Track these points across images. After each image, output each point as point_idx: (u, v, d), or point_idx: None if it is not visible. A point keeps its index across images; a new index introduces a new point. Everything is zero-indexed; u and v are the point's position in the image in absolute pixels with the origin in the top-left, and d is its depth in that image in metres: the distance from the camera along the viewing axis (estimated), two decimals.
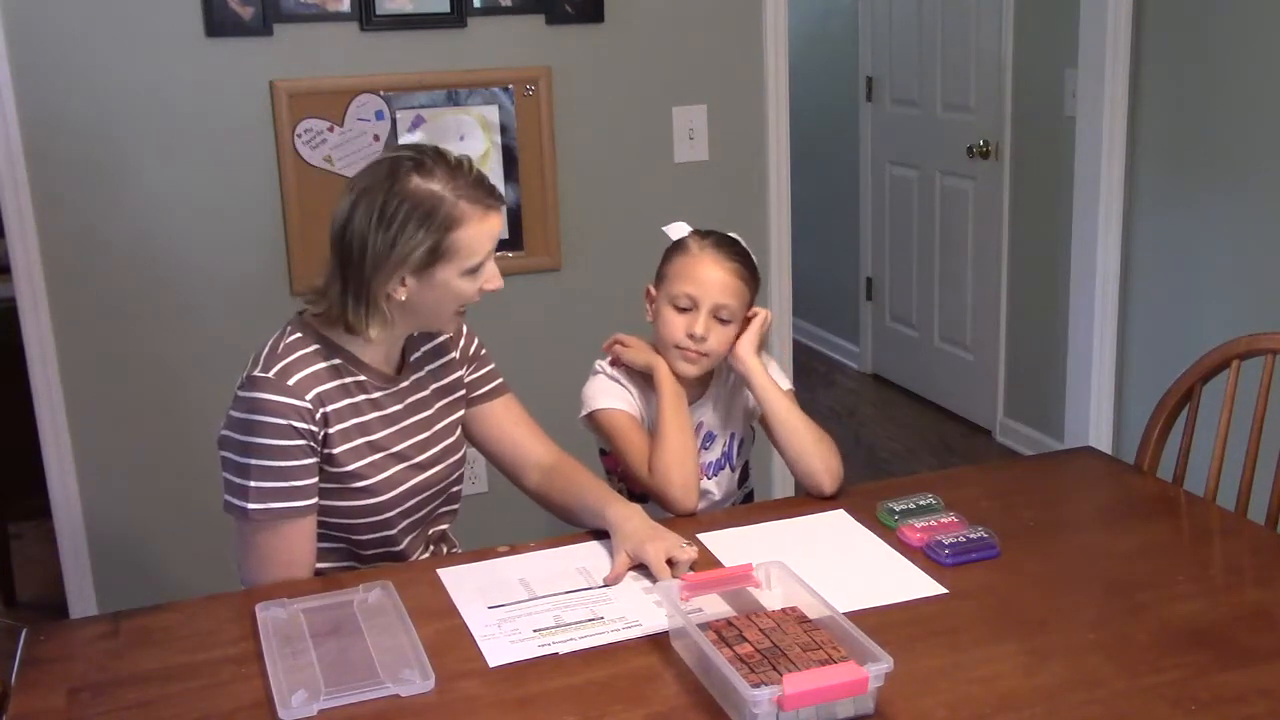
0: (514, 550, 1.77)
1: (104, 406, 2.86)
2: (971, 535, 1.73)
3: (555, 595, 1.63)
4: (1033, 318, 4.08)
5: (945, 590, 1.63)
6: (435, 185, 1.68)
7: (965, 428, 4.50)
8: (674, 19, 3.10)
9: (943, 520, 1.79)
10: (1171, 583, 1.65)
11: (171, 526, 2.93)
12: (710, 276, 1.94)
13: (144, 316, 2.85)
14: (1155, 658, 1.45)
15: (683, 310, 1.94)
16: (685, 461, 1.90)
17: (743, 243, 2.02)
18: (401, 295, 1.72)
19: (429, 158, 1.71)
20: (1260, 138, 3.10)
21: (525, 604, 1.61)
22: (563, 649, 1.49)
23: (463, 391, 1.94)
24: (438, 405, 1.89)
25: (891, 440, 4.45)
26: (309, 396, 1.70)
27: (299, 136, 2.86)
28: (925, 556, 1.72)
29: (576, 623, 1.55)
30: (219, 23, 2.77)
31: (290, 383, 1.69)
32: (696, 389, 2.03)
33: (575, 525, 1.88)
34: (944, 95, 4.43)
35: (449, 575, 1.70)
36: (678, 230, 2.03)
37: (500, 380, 1.99)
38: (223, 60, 2.80)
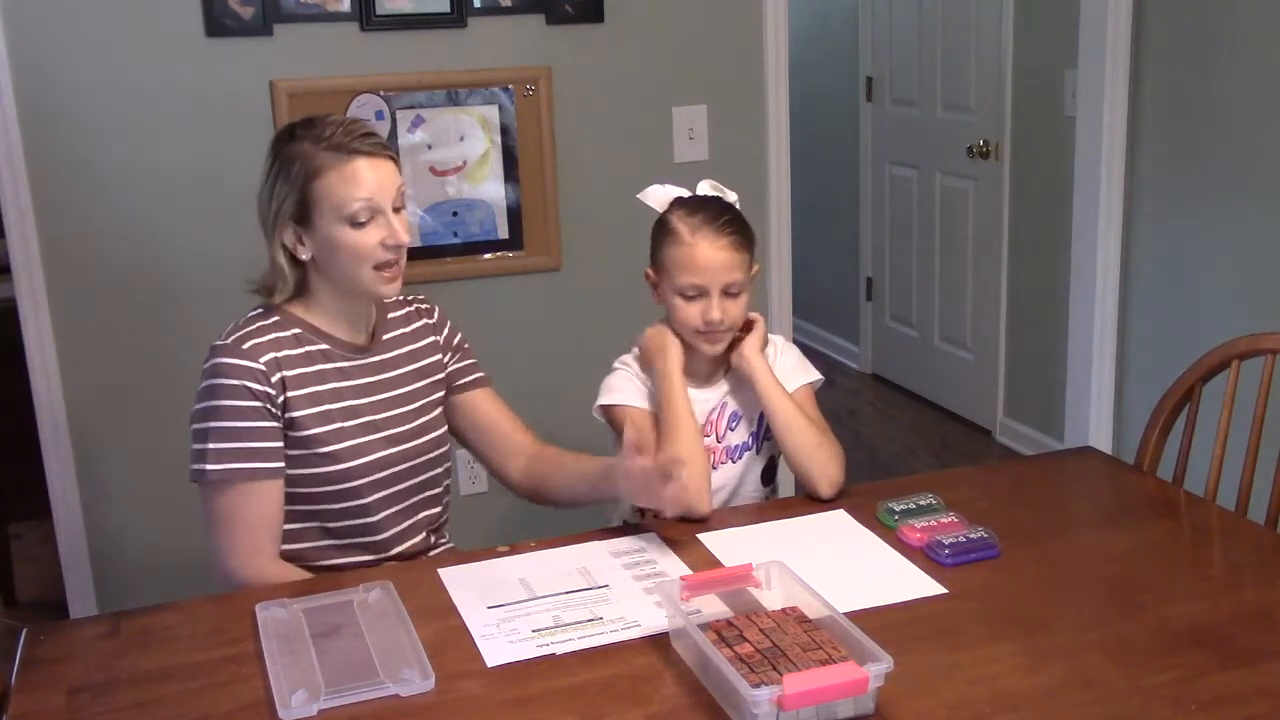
0: (514, 550, 1.77)
1: (104, 406, 2.86)
2: (971, 535, 1.73)
3: (555, 595, 1.63)
4: (1033, 318, 4.08)
5: (945, 590, 1.62)
6: (304, 144, 1.76)
7: (965, 428, 4.50)
8: (674, 19, 3.10)
9: (943, 520, 1.79)
10: (1171, 583, 1.65)
11: (171, 526, 2.92)
12: (711, 261, 1.89)
13: (144, 316, 2.85)
14: (1155, 658, 1.45)
15: (692, 299, 1.92)
16: (694, 468, 1.86)
17: (726, 197, 1.96)
18: (304, 254, 1.79)
19: (309, 122, 1.79)
20: (1260, 138, 3.10)
21: (525, 604, 1.61)
22: (561, 649, 1.49)
23: (443, 376, 1.97)
24: (416, 384, 1.92)
25: (891, 440, 4.45)
26: (264, 359, 1.75)
27: None
28: (925, 556, 1.71)
29: (576, 623, 1.55)
30: (219, 23, 2.77)
31: (245, 347, 1.75)
32: (718, 365, 2.01)
33: (565, 504, 1.91)
34: (944, 95, 4.42)
35: (449, 575, 1.70)
36: (657, 197, 1.97)
37: (482, 374, 2.03)
38: (223, 60, 2.80)
